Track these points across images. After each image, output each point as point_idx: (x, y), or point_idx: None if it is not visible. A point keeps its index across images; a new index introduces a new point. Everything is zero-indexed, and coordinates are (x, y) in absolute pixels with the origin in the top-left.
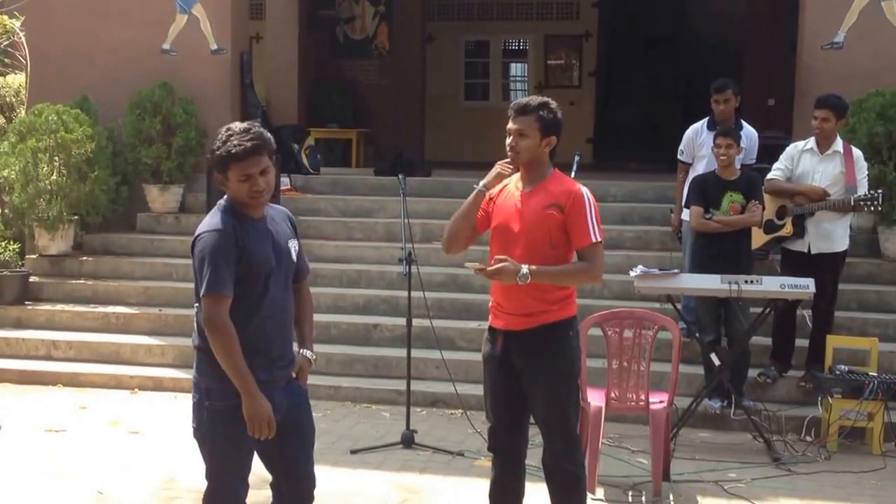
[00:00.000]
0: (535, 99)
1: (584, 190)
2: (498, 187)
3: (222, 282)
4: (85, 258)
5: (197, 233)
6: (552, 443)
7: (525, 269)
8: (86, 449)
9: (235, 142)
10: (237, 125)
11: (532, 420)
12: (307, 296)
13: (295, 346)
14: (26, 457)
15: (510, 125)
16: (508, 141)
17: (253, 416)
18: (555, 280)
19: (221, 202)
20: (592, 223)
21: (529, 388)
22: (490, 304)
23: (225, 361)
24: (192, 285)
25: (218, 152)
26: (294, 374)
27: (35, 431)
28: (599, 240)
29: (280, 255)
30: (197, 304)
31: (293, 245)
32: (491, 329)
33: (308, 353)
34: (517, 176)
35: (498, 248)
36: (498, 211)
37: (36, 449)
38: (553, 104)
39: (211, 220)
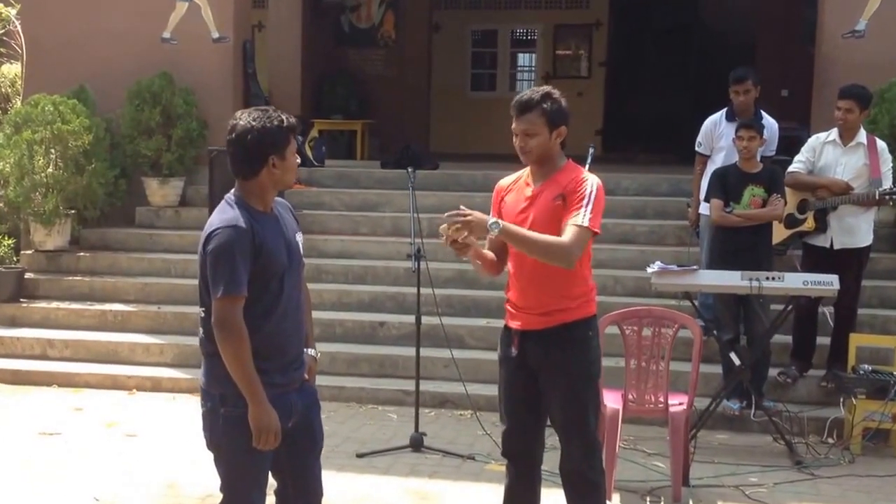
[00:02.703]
0: (536, 92)
1: (593, 179)
2: (508, 183)
3: (240, 282)
4: (82, 254)
5: (211, 228)
6: (570, 447)
7: (493, 218)
8: (81, 452)
9: (283, 114)
10: (252, 109)
11: (548, 423)
12: (306, 290)
13: None
14: (19, 461)
15: (515, 126)
16: (516, 142)
17: (261, 427)
18: (524, 242)
19: (230, 196)
20: (587, 208)
21: (547, 390)
22: (505, 303)
23: (234, 366)
24: (191, 281)
25: (279, 126)
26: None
27: (29, 434)
28: (587, 225)
29: (291, 251)
30: (203, 308)
31: (300, 238)
32: (507, 329)
33: (312, 351)
34: (527, 170)
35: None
36: (508, 209)
37: (29, 452)
38: (555, 93)
39: (225, 216)
